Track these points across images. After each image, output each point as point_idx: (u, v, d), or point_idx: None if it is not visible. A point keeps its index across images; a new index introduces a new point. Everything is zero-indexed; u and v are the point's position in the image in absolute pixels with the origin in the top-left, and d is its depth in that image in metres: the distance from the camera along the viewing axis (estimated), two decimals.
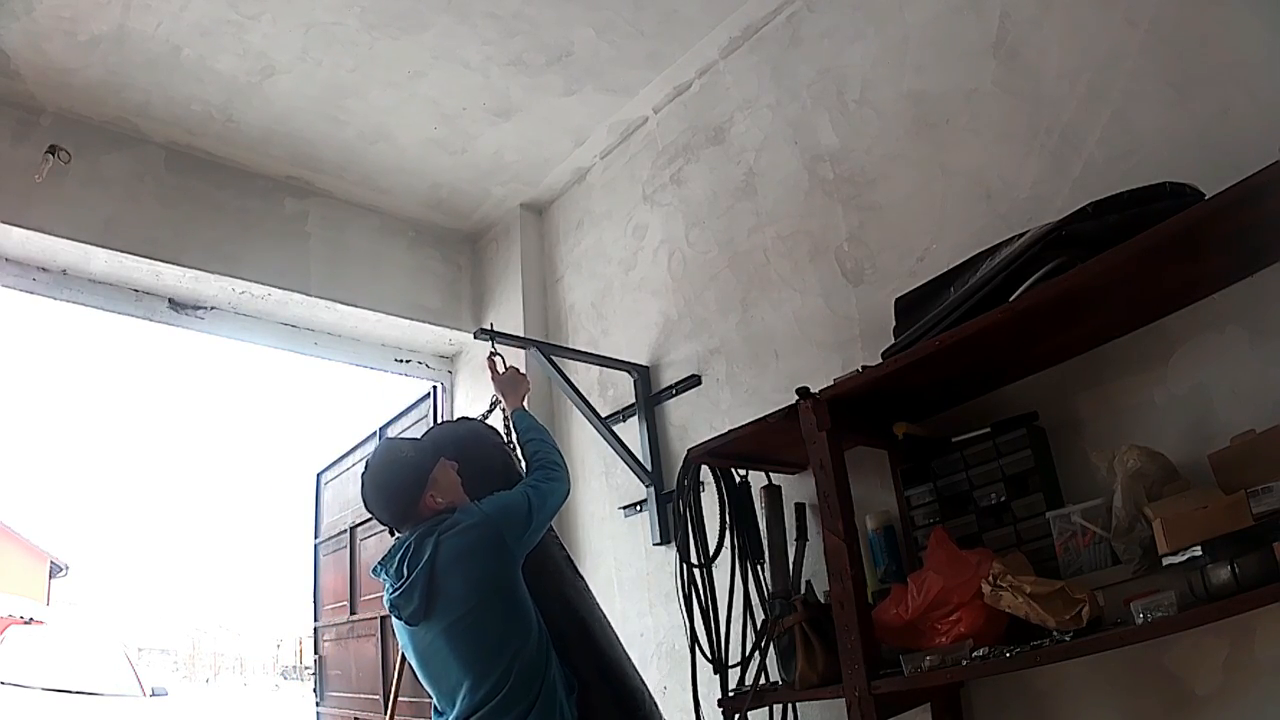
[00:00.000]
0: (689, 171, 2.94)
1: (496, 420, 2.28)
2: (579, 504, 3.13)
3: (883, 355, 1.82)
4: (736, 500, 2.17)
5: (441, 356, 3.82)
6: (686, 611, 2.04)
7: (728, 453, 2.13)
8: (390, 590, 1.76)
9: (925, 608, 1.63)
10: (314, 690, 4.65)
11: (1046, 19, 2.00)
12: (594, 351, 3.08)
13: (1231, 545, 1.28)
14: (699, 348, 2.77)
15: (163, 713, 6.48)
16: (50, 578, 12.51)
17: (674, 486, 2.23)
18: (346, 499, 4.37)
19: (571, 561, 2.07)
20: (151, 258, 2.94)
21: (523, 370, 2.30)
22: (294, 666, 19.08)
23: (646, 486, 2.81)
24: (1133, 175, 1.68)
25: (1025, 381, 1.86)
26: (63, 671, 5.89)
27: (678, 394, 2.81)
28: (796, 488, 2.25)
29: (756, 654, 1.98)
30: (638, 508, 2.88)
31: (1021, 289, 1.55)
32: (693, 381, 2.76)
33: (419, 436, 2.06)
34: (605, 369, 3.04)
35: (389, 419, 4.12)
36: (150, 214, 2.98)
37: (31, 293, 2.94)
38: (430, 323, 3.57)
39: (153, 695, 6.47)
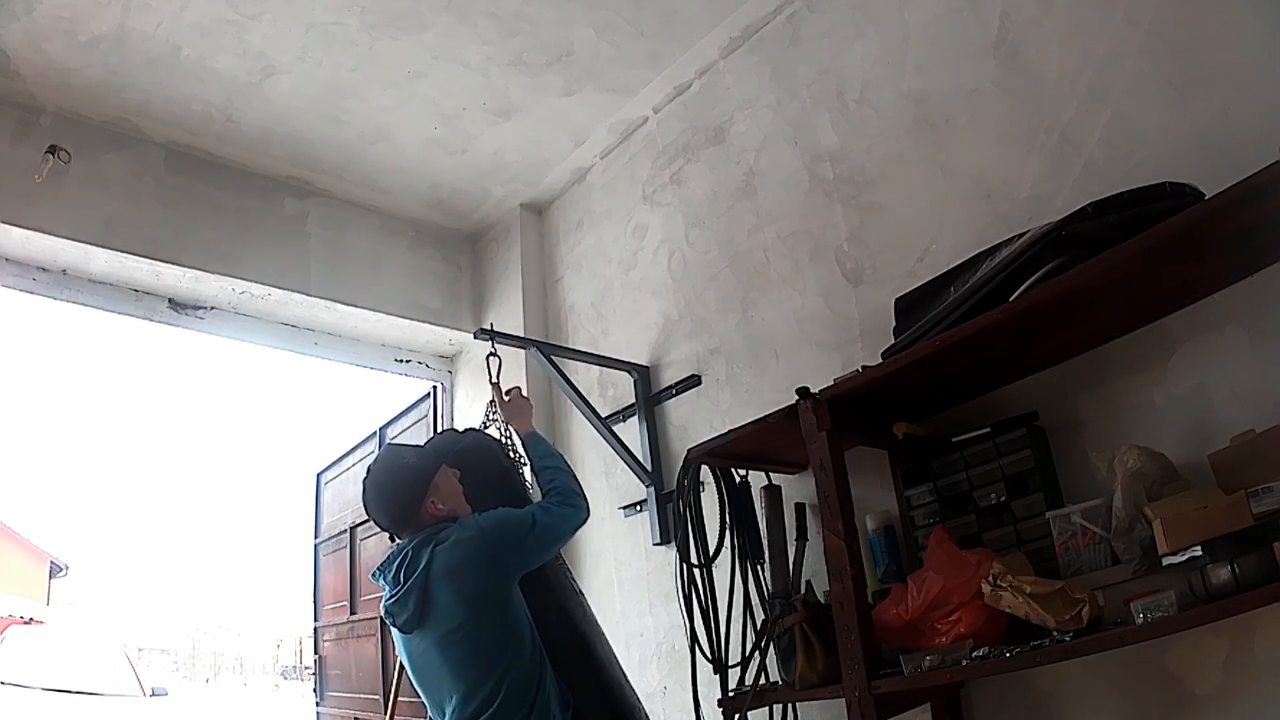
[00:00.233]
0: (689, 171, 2.94)
1: (492, 429, 2.28)
2: None
3: (883, 355, 1.82)
4: (736, 500, 2.17)
5: (441, 356, 3.82)
6: (686, 611, 2.04)
7: (728, 453, 2.13)
8: (387, 597, 1.76)
9: (925, 608, 1.63)
10: (314, 690, 4.65)
11: (1046, 19, 2.00)
12: (594, 351, 3.08)
13: (1231, 545, 1.28)
14: (699, 348, 2.77)
15: (163, 713, 6.48)
16: (50, 578, 12.51)
17: (674, 486, 2.23)
18: (346, 499, 4.37)
19: (571, 575, 2.08)
20: (151, 258, 2.94)
21: (525, 391, 2.26)
22: (294, 666, 19.08)
23: (646, 486, 2.81)
24: (1133, 175, 1.68)
25: (1025, 381, 1.86)
26: (63, 671, 5.89)
27: (678, 394, 2.81)
28: (796, 488, 2.25)
29: (756, 654, 1.98)
30: (638, 508, 2.88)
31: (1021, 289, 1.55)
32: (693, 381, 2.76)
33: (422, 443, 2.06)
34: (605, 369, 3.04)
35: (389, 419, 4.12)
36: (150, 214, 2.98)
37: (31, 293, 2.94)
38: (430, 323, 3.57)
39: (153, 695, 6.47)
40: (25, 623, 6.34)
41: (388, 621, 1.79)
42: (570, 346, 3.24)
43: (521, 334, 3.25)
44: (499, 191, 3.54)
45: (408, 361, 3.73)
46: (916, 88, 2.27)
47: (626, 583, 2.86)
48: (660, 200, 3.04)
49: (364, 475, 1.86)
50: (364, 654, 4.03)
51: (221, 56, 2.73)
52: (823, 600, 1.92)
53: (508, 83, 2.94)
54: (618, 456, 2.83)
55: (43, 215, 2.76)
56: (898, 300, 1.92)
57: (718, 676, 2.02)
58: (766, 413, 1.97)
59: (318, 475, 4.79)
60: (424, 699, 1.79)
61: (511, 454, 2.17)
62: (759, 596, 2.09)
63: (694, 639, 2.03)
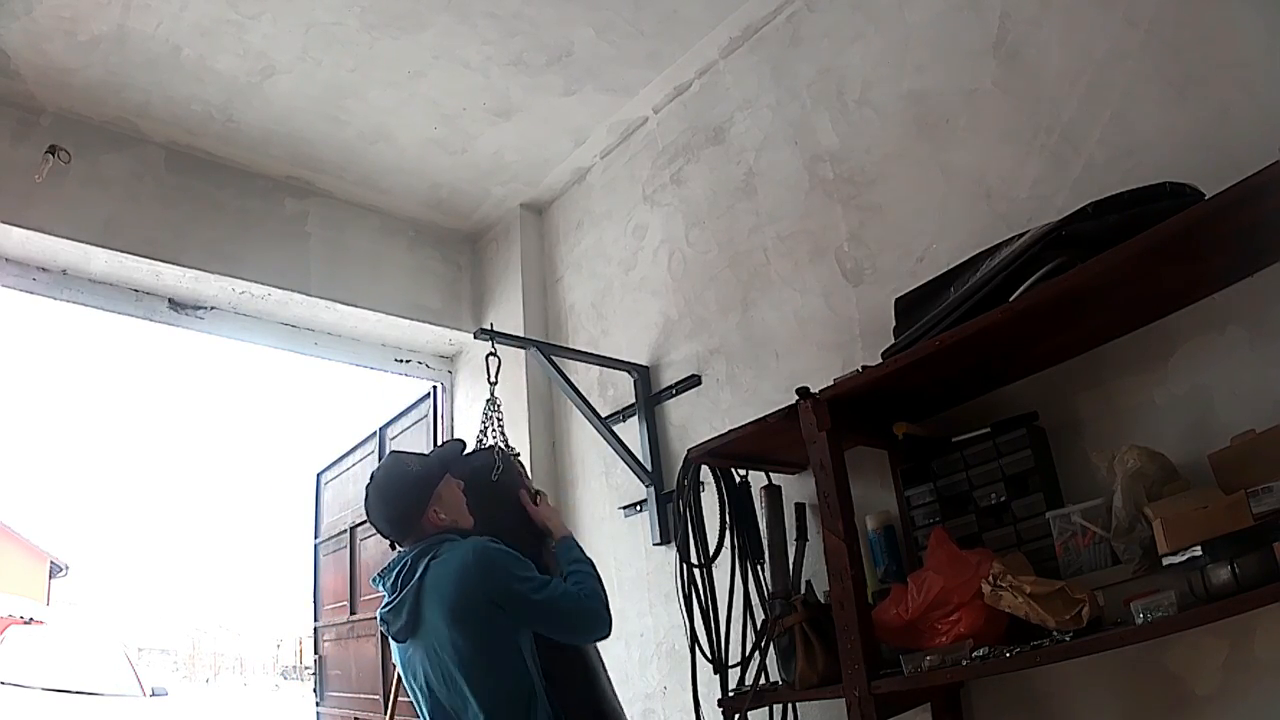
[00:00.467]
0: (689, 171, 2.94)
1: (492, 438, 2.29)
2: (579, 504, 3.14)
3: (883, 355, 1.82)
4: (736, 500, 2.17)
5: (441, 356, 3.82)
6: (686, 611, 2.04)
7: (728, 453, 2.13)
8: (383, 604, 1.77)
9: (925, 608, 1.63)
10: (314, 690, 4.65)
11: (1046, 19, 2.00)
12: (594, 351, 3.08)
13: (1231, 545, 1.28)
14: (699, 348, 2.77)
15: (163, 713, 6.48)
16: (50, 578, 12.51)
17: (674, 486, 2.23)
18: (346, 499, 4.37)
19: None
20: (151, 258, 2.94)
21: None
22: (294, 666, 19.09)
23: (646, 486, 2.81)
24: (1133, 175, 1.68)
25: (1025, 381, 1.86)
26: (63, 671, 5.89)
27: (678, 394, 2.81)
28: (796, 488, 2.25)
29: (756, 654, 1.98)
30: (638, 508, 2.88)
31: (1021, 289, 1.55)
32: (693, 381, 2.76)
33: (427, 452, 2.05)
34: (605, 369, 3.04)
35: (389, 419, 4.12)
36: (150, 214, 2.98)
37: (31, 293, 2.93)
38: (430, 323, 3.57)
39: (153, 695, 6.47)
40: (25, 623, 6.35)
41: (382, 628, 1.80)
42: (570, 346, 3.24)
43: (521, 334, 3.25)
44: (499, 191, 3.54)
45: (408, 361, 3.73)
46: (916, 88, 2.27)
47: (626, 583, 2.86)
48: (660, 200, 3.04)
49: (368, 482, 1.85)
50: (364, 654, 4.02)
51: (221, 56, 2.73)
52: (823, 600, 1.92)
53: (508, 83, 2.94)
54: (618, 456, 2.83)
55: (43, 215, 2.76)
56: (898, 300, 1.92)
57: (718, 676, 2.02)
58: (766, 413, 1.97)
59: (318, 475, 4.79)
60: (415, 707, 1.79)
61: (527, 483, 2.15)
62: (759, 596, 2.09)
63: (694, 639, 2.03)
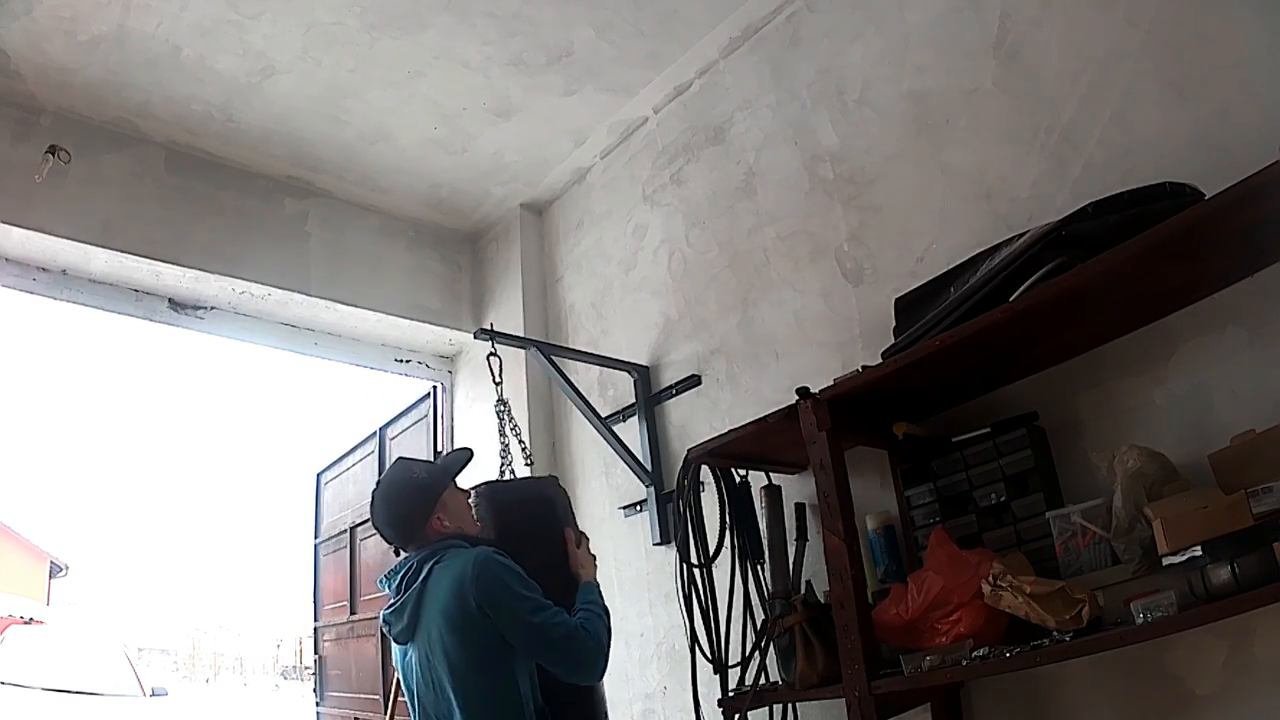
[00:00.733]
0: (689, 171, 2.94)
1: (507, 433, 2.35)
2: (579, 504, 3.13)
3: (883, 355, 1.82)
4: (736, 500, 2.17)
5: (441, 356, 3.82)
6: (686, 611, 2.05)
7: (728, 453, 2.13)
8: (387, 605, 1.78)
9: (925, 608, 1.63)
10: (314, 690, 4.65)
11: (1046, 19, 2.00)
12: (594, 351, 3.08)
13: (1231, 545, 1.28)
14: (699, 348, 2.77)
15: (163, 713, 6.48)
16: (50, 578, 12.51)
17: (674, 486, 2.23)
18: (346, 499, 4.38)
19: None
20: (151, 258, 2.94)
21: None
22: (294, 666, 19.08)
23: (646, 486, 2.80)
24: (1133, 175, 1.68)
25: (1025, 381, 1.86)
26: (63, 671, 5.89)
27: (678, 394, 2.81)
28: (796, 488, 2.25)
29: (756, 654, 1.98)
30: (638, 508, 2.88)
31: (1021, 289, 1.55)
32: (693, 381, 2.76)
33: (434, 460, 2.06)
34: (605, 369, 3.04)
35: (389, 419, 4.12)
36: (150, 214, 2.98)
37: (31, 293, 2.93)
38: (430, 323, 3.57)
39: (153, 695, 6.47)
40: (25, 623, 6.34)
41: (384, 629, 1.80)
42: (570, 346, 3.24)
43: (521, 334, 3.25)
44: (499, 191, 3.54)
45: (408, 361, 3.73)
46: (916, 88, 2.27)
47: (626, 583, 2.86)
48: (660, 200, 3.04)
49: (374, 487, 1.86)
50: (364, 654, 4.03)
51: (221, 56, 2.73)
52: (823, 600, 1.92)
53: (508, 83, 2.94)
54: (618, 456, 2.83)
55: (43, 215, 2.76)
56: (898, 300, 1.92)
57: (718, 676, 2.02)
58: (766, 413, 1.97)
59: (318, 475, 4.79)
60: (411, 710, 1.79)
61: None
62: (759, 596, 2.09)
63: (694, 639, 2.03)
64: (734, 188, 2.75)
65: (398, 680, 2.78)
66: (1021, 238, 1.63)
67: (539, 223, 3.64)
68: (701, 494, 2.18)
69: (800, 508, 2.18)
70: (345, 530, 4.31)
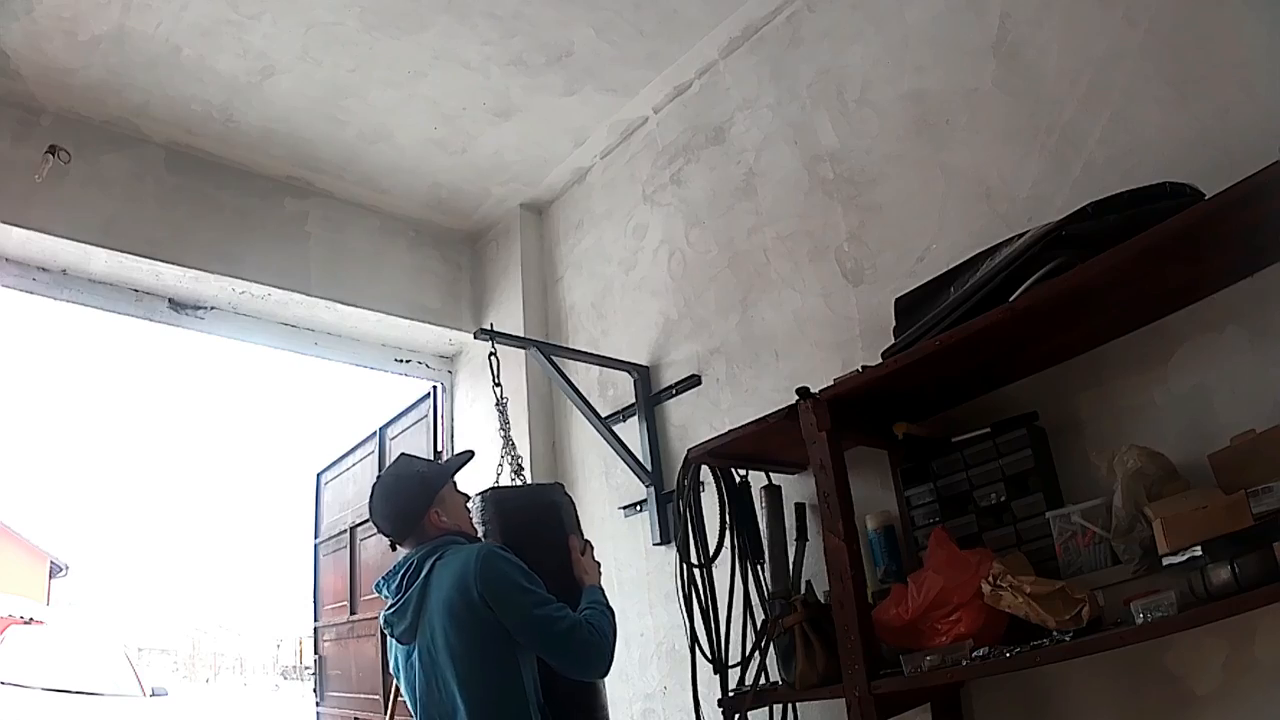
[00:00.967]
0: (689, 171, 2.94)
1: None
2: (580, 504, 3.12)
3: (883, 355, 1.82)
4: (736, 500, 2.17)
5: (441, 356, 3.82)
6: (686, 611, 2.04)
7: (728, 453, 2.13)
8: (388, 606, 1.77)
9: (925, 608, 1.63)
10: (314, 690, 4.65)
11: (1046, 19, 2.00)
12: (594, 351, 3.08)
13: (1231, 545, 1.28)
14: (699, 348, 2.77)
15: (163, 713, 6.47)
16: (50, 578, 12.50)
17: (674, 486, 2.23)
18: (346, 499, 4.37)
19: None
20: (151, 258, 2.94)
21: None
22: (294, 666, 19.08)
23: (646, 486, 2.80)
24: (1133, 175, 1.68)
25: (1025, 381, 1.86)
26: (63, 671, 5.88)
27: (678, 394, 2.81)
28: (796, 488, 2.25)
29: (756, 654, 1.98)
30: (638, 508, 2.88)
31: (1021, 289, 1.55)
32: (693, 381, 2.76)
33: (441, 460, 2.06)
34: (605, 369, 3.04)
35: (389, 419, 4.12)
36: (150, 214, 2.98)
37: (31, 293, 2.93)
38: (430, 323, 3.57)
39: (153, 695, 6.46)
40: (25, 623, 6.33)
41: (386, 631, 1.79)
42: (570, 346, 3.24)
43: (521, 334, 3.25)
44: (499, 191, 3.54)
45: (408, 361, 3.73)
46: (916, 88, 2.26)
47: (626, 583, 2.86)
48: (660, 200, 3.04)
49: (374, 480, 1.86)
50: (364, 654, 4.02)
51: (221, 56, 2.73)
52: (823, 600, 1.92)
53: (508, 83, 2.94)
54: (618, 456, 2.83)
55: (43, 215, 2.76)
56: (898, 300, 1.92)
57: (718, 676, 2.02)
58: (766, 413, 1.97)
59: (318, 475, 4.79)
60: (411, 710, 1.78)
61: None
62: (759, 596, 2.09)
63: (694, 639, 2.03)
64: (734, 188, 2.75)
65: (397, 684, 2.79)
66: (1021, 238, 1.63)
67: (539, 223, 3.64)
68: (701, 494, 2.18)
69: (800, 508, 2.18)
70: (345, 530, 4.31)
